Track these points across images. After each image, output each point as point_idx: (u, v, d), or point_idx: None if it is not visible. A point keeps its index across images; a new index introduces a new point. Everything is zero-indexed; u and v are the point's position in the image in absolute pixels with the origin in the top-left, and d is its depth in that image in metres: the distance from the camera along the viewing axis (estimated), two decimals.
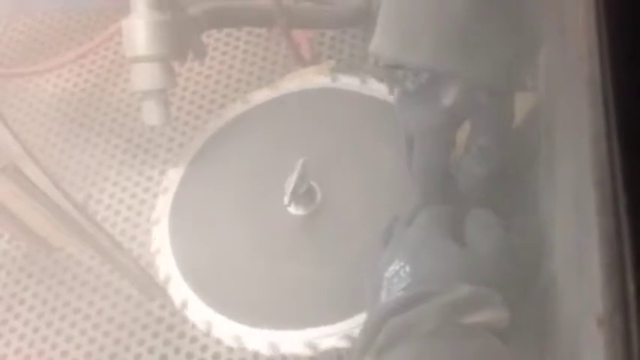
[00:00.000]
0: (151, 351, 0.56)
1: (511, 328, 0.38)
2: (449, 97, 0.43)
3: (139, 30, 0.55)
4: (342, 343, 0.46)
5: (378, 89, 0.57)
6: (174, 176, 0.57)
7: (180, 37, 0.57)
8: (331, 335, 0.46)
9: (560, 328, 0.34)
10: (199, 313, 0.49)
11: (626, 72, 0.22)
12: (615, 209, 0.21)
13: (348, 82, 0.58)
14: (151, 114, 0.57)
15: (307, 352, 0.46)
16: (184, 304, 0.50)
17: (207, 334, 0.49)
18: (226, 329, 0.48)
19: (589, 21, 0.23)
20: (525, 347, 0.41)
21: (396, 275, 0.41)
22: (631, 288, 0.20)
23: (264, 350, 0.47)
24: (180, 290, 0.51)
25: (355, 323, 0.46)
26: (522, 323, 0.39)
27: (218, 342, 0.51)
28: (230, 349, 0.54)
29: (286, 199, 0.49)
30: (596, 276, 0.21)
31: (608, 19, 0.23)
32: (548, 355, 0.38)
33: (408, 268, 0.40)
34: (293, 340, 0.47)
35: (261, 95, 0.60)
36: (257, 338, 0.47)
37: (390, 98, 0.55)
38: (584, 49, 0.23)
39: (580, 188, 0.24)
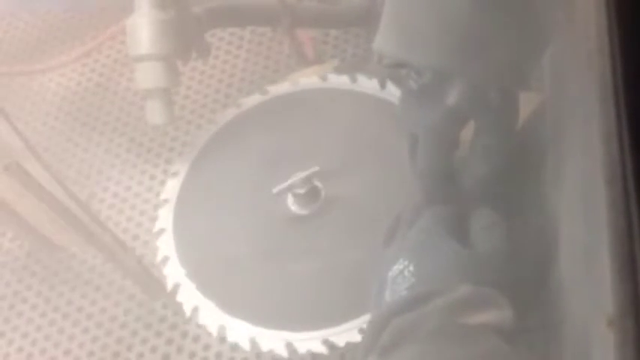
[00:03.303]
0: (153, 350, 0.56)
1: (518, 328, 0.38)
2: (452, 96, 0.42)
3: (142, 29, 0.55)
4: (344, 343, 0.46)
5: (379, 89, 0.57)
6: (176, 178, 0.56)
7: (184, 36, 0.57)
8: (333, 335, 0.46)
9: (569, 329, 0.34)
10: (205, 314, 0.49)
11: (638, 67, 0.22)
12: (626, 208, 0.21)
13: (350, 81, 0.58)
14: (155, 113, 0.57)
15: (309, 351, 0.46)
16: (193, 309, 0.50)
17: (210, 334, 0.49)
18: (227, 328, 0.48)
19: (600, 15, 0.23)
20: (532, 348, 0.41)
21: (400, 275, 0.41)
22: None
23: (266, 349, 0.47)
24: (187, 294, 0.50)
25: (361, 322, 0.46)
26: (529, 324, 0.39)
27: (220, 341, 0.51)
28: (233, 348, 0.54)
29: (276, 189, 0.49)
30: (607, 275, 0.21)
31: (619, 13, 0.23)
32: (555, 356, 0.38)
33: (412, 268, 0.40)
34: (295, 339, 0.47)
35: (263, 95, 0.60)
36: (259, 337, 0.47)
37: (391, 97, 0.55)
38: (595, 44, 0.23)
39: (590, 187, 0.24)
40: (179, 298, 0.49)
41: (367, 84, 0.57)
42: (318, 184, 0.52)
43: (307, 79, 0.59)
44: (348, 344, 0.46)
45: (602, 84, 0.23)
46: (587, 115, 0.25)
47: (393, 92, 0.56)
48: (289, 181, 0.50)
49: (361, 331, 0.45)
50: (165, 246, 0.52)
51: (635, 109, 0.22)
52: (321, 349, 0.46)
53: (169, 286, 0.50)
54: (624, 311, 0.20)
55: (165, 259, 0.52)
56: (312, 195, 0.51)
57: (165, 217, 0.54)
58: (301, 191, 0.51)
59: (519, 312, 0.38)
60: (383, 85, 0.56)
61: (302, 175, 0.50)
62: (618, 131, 0.22)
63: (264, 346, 0.47)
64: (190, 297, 0.49)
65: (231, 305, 0.48)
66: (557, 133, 0.39)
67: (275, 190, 0.50)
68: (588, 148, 0.24)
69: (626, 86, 0.22)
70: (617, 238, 0.21)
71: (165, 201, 0.55)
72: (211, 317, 0.48)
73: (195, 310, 0.49)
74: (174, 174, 0.56)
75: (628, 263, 0.20)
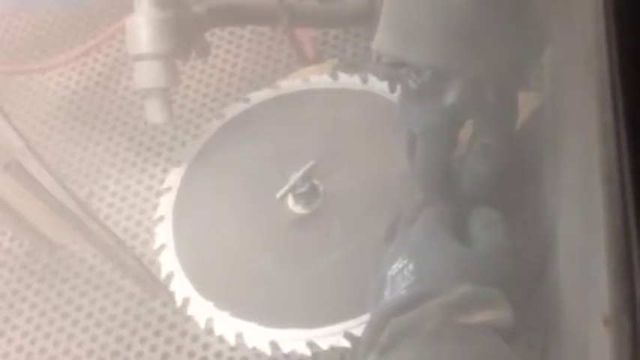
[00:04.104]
0: (152, 349, 0.56)
1: (517, 328, 0.38)
2: (451, 95, 0.42)
3: (142, 28, 0.55)
4: (344, 343, 0.46)
5: (380, 88, 0.57)
6: (176, 175, 0.56)
7: (184, 36, 0.57)
8: (333, 334, 0.46)
9: (567, 328, 0.34)
10: (201, 310, 0.49)
11: (635, 66, 0.22)
12: (623, 207, 0.21)
13: (351, 81, 0.58)
14: (154, 112, 0.57)
15: (309, 351, 0.46)
16: (186, 302, 0.50)
17: (210, 332, 0.49)
18: (228, 327, 0.48)
19: (597, 15, 0.23)
20: (530, 347, 0.41)
21: (400, 274, 0.41)
22: (638, 287, 0.20)
23: (266, 349, 0.47)
24: (182, 288, 0.51)
25: (358, 322, 0.46)
26: (528, 323, 0.39)
27: (220, 340, 0.51)
28: (232, 348, 0.54)
29: (279, 194, 0.49)
30: (603, 275, 0.21)
31: (616, 13, 0.23)
32: (553, 355, 0.38)
33: (411, 267, 0.40)
34: (295, 338, 0.47)
35: (263, 94, 0.60)
36: (259, 336, 0.47)
37: (393, 97, 0.55)
38: (593, 44, 0.23)
39: (587, 186, 0.24)
40: (190, 311, 0.50)
41: (378, 85, 0.57)
42: (317, 182, 0.52)
43: (318, 76, 0.59)
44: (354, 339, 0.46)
45: (599, 84, 0.23)
46: (584, 114, 0.25)
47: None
48: (290, 183, 0.50)
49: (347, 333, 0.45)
50: (163, 235, 0.53)
51: (633, 109, 0.22)
52: (340, 343, 0.46)
53: (164, 275, 0.50)
54: (620, 310, 0.20)
55: (162, 247, 0.52)
56: (311, 194, 0.51)
57: (165, 211, 0.54)
58: (301, 190, 0.51)
59: (518, 311, 0.38)
60: (393, 89, 0.56)
61: (300, 173, 0.50)
62: (615, 131, 0.22)
63: (252, 344, 0.47)
64: (183, 289, 0.50)
65: (224, 301, 0.49)
66: (556, 133, 0.39)
67: (278, 195, 0.50)
68: (586, 148, 0.24)
69: (623, 86, 0.22)
70: (614, 238, 0.21)
71: (167, 189, 0.55)
72: (224, 325, 0.48)
73: (210, 320, 0.49)
74: (175, 166, 0.57)
75: (624, 263, 0.20)
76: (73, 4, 0.78)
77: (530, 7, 0.39)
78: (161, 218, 0.54)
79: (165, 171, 0.64)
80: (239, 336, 0.47)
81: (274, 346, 0.46)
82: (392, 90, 0.55)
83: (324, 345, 0.46)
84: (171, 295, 0.51)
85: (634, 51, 0.23)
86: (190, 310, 0.50)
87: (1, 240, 0.65)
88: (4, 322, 0.60)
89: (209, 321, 0.49)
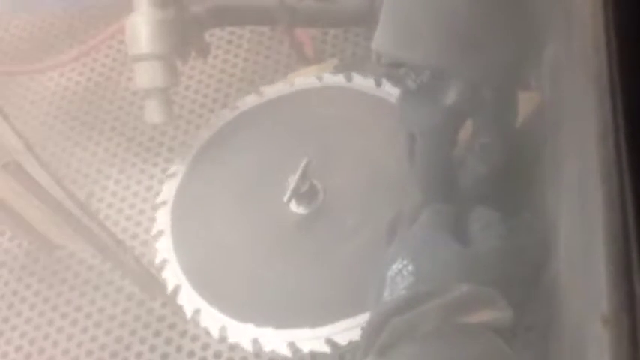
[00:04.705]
0: (152, 349, 0.56)
1: (515, 327, 0.38)
2: (450, 95, 0.42)
3: (141, 28, 0.55)
4: (342, 343, 0.46)
5: (380, 88, 0.57)
6: (171, 186, 0.56)
7: (183, 36, 0.57)
8: (331, 334, 0.46)
9: (565, 328, 0.34)
10: (202, 311, 0.49)
11: (634, 67, 0.22)
12: (622, 206, 0.21)
13: (351, 80, 0.58)
14: (154, 112, 0.57)
15: (306, 350, 0.46)
16: (197, 313, 0.49)
17: (209, 333, 0.49)
18: (226, 326, 0.48)
19: (596, 15, 0.23)
20: (530, 347, 0.41)
21: (399, 274, 0.41)
22: (637, 286, 0.20)
23: (265, 348, 0.47)
24: (182, 291, 0.50)
25: (355, 322, 0.46)
26: (527, 323, 0.39)
27: (219, 340, 0.51)
28: (231, 347, 0.54)
29: (286, 197, 0.49)
30: (602, 274, 0.21)
31: (615, 12, 0.23)
32: (552, 354, 0.38)
33: (410, 267, 0.40)
34: (293, 338, 0.47)
35: (263, 94, 0.60)
36: (258, 336, 0.47)
37: (393, 97, 0.55)
38: (591, 44, 0.23)
39: (586, 186, 0.24)
40: (179, 300, 0.49)
41: (363, 82, 0.57)
42: (316, 183, 0.52)
43: (303, 79, 0.59)
44: (350, 343, 0.46)
45: (598, 82, 0.23)
46: (583, 113, 0.25)
47: (388, 90, 0.56)
48: (291, 186, 0.50)
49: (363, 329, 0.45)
50: (164, 249, 0.52)
51: (631, 107, 0.22)
52: (324, 348, 0.46)
53: (169, 288, 0.50)
54: (619, 309, 0.20)
55: (164, 262, 0.52)
56: (311, 194, 0.51)
57: (163, 220, 0.54)
58: (301, 190, 0.51)
59: (517, 311, 0.38)
60: (379, 83, 0.56)
61: (297, 173, 0.50)
62: (614, 130, 0.22)
63: (266, 347, 0.47)
64: (191, 299, 0.49)
65: (223, 301, 0.49)
66: (555, 132, 0.39)
67: (285, 199, 0.49)
68: (584, 147, 0.24)
69: (622, 85, 0.22)
70: (613, 237, 0.21)
71: (163, 203, 0.55)
72: (213, 319, 0.48)
73: (197, 312, 0.48)
74: (172, 175, 0.56)
75: (623, 262, 0.20)
76: (73, 4, 0.78)
77: (527, 7, 0.39)
78: (160, 233, 0.54)
79: (164, 171, 0.64)
80: (222, 329, 0.47)
81: (256, 344, 0.46)
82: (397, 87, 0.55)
83: (342, 341, 0.45)
84: (171, 299, 0.50)
85: (633, 50, 0.23)
86: (203, 322, 0.49)
87: (0, 240, 0.65)
88: (4, 322, 0.60)
89: (222, 329, 0.48)
